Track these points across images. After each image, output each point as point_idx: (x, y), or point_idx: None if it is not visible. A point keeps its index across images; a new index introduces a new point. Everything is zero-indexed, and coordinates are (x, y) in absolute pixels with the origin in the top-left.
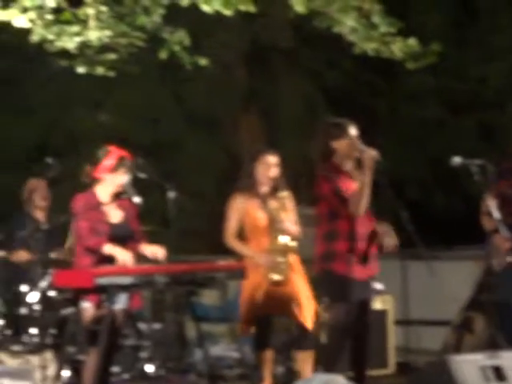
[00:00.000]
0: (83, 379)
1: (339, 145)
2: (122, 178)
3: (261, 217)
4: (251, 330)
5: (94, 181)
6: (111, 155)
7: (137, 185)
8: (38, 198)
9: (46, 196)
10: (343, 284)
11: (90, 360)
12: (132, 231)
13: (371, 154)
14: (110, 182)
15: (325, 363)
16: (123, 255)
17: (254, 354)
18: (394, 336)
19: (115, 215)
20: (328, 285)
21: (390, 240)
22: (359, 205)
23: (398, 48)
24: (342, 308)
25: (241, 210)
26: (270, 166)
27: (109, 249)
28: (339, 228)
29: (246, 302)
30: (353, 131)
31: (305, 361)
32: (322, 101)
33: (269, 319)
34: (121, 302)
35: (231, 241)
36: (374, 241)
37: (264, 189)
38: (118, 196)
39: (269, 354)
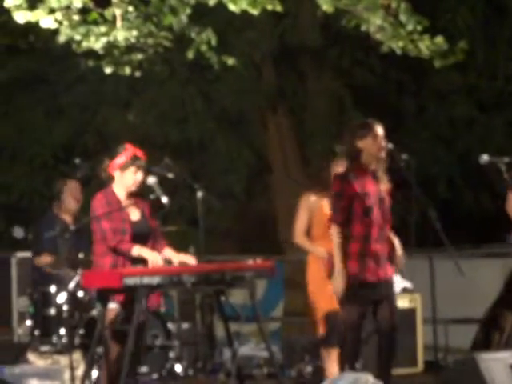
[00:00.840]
0: (102, 378)
1: (365, 144)
2: (132, 177)
3: None
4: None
5: (111, 178)
6: (124, 153)
7: (165, 184)
8: (68, 199)
9: (78, 197)
10: (354, 285)
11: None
12: (151, 229)
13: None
14: (120, 180)
15: (346, 360)
16: (153, 256)
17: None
18: (422, 334)
19: (134, 213)
20: None
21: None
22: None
23: (425, 46)
24: (351, 308)
25: (312, 208)
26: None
27: (137, 251)
28: (353, 230)
29: (319, 300)
30: (379, 130)
31: (333, 358)
32: (350, 100)
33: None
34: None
35: (301, 239)
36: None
37: None
38: (133, 195)
39: (335, 352)
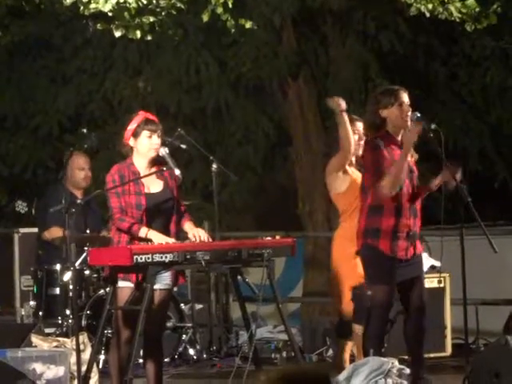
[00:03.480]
0: (111, 362)
1: (389, 113)
2: (147, 142)
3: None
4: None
5: (130, 149)
6: (135, 118)
7: (178, 156)
8: (75, 172)
9: (89, 175)
10: (387, 263)
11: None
12: (173, 202)
13: (408, 135)
14: (137, 148)
15: (372, 343)
16: (161, 239)
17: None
18: (451, 316)
19: (154, 185)
20: (371, 263)
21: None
22: (391, 183)
23: (455, 8)
24: (382, 288)
25: (344, 179)
26: (360, 133)
27: (144, 233)
28: (385, 203)
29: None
30: (404, 98)
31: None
32: (376, 66)
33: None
34: (162, 282)
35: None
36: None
37: (354, 158)
38: (156, 163)
39: (350, 343)
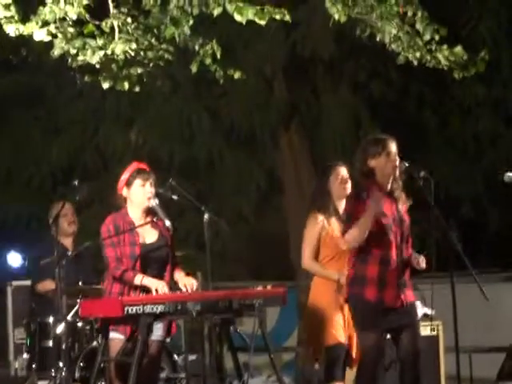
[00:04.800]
0: None
1: (377, 163)
2: (140, 192)
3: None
4: (317, 359)
5: (123, 200)
6: (128, 169)
7: (171, 207)
8: (64, 223)
9: (72, 221)
10: (372, 312)
11: None
12: (167, 251)
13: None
14: (131, 198)
15: None
16: (156, 284)
17: None
18: (445, 364)
19: (149, 235)
20: (357, 311)
21: (421, 262)
22: (351, 237)
23: (443, 56)
24: (370, 336)
25: (321, 229)
26: (343, 178)
27: (139, 280)
28: (371, 251)
29: (320, 327)
30: (392, 148)
31: None
32: (367, 114)
33: (343, 347)
34: (155, 333)
35: (310, 263)
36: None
37: (340, 205)
38: (150, 213)
39: None
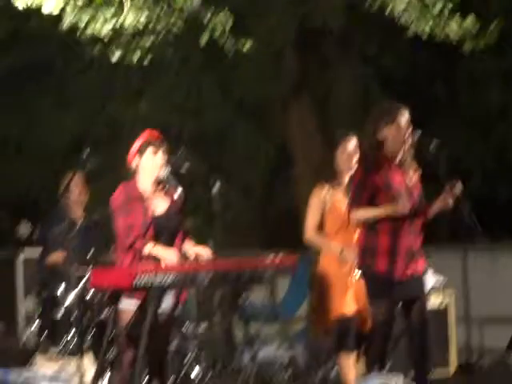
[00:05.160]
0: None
1: (388, 132)
2: (152, 161)
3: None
4: (328, 330)
5: (135, 170)
6: (140, 137)
7: (181, 177)
8: (74, 194)
9: (83, 191)
10: (384, 283)
11: (126, 365)
12: (178, 221)
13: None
14: (142, 166)
15: (372, 362)
16: (167, 254)
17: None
18: (455, 334)
19: (160, 204)
20: (369, 281)
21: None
22: (358, 218)
23: (453, 28)
24: (382, 307)
25: (326, 202)
26: (351, 152)
27: (150, 249)
28: (382, 222)
29: (328, 299)
30: (403, 117)
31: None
32: (377, 87)
33: (352, 318)
34: (165, 303)
35: (312, 235)
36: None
37: (346, 178)
38: (160, 184)
39: (353, 358)
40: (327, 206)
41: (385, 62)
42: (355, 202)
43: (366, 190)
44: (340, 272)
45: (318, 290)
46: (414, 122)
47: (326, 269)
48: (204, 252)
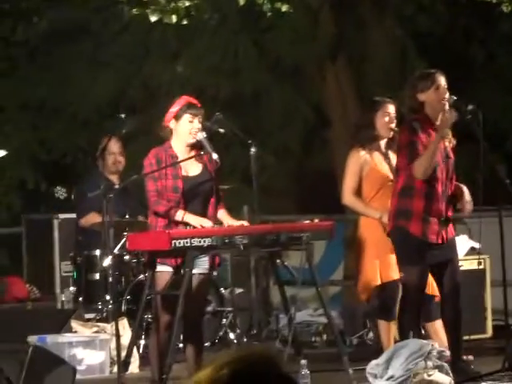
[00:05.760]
0: (151, 347)
1: (427, 97)
2: (187, 127)
3: (387, 170)
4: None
5: (169, 132)
6: (178, 101)
7: (217, 140)
8: (110, 160)
9: (119, 160)
10: (417, 246)
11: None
12: (212, 185)
13: (446, 117)
14: (177, 131)
15: (408, 327)
16: (199, 221)
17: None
18: (491, 297)
19: (192, 168)
20: (401, 244)
21: (468, 204)
22: (423, 166)
23: None
24: (414, 270)
25: (363, 166)
26: (391, 116)
27: (181, 217)
28: (417, 184)
29: (372, 265)
30: (441, 81)
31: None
32: (413, 48)
33: (396, 284)
34: (201, 266)
35: (351, 200)
36: (452, 203)
37: (385, 140)
38: (195, 147)
39: (394, 325)
40: (365, 170)
41: (421, 23)
42: (412, 157)
43: (416, 145)
44: (382, 237)
45: (360, 256)
46: (451, 82)
47: (368, 234)
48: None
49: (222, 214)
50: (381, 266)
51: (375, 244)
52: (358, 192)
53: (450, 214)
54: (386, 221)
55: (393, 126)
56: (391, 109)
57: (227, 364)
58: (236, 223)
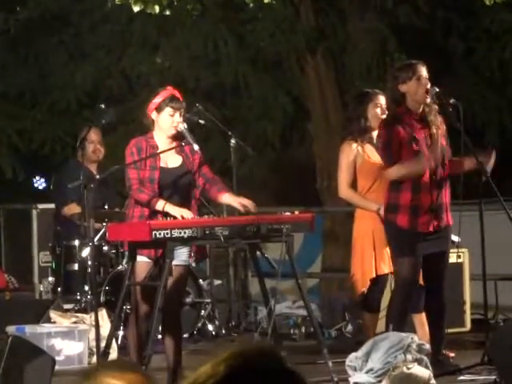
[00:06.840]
0: (130, 337)
1: (408, 88)
2: (168, 119)
3: (380, 161)
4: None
5: (151, 122)
6: (162, 93)
7: (196, 131)
8: (90, 149)
9: (98, 148)
10: (407, 238)
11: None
12: (191, 177)
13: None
14: (159, 123)
15: (393, 319)
16: (179, 212)
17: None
18: (470, 291)
19: (172, 160)
20: (392, 238)
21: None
22: (398, 175)
23: None
24: (405, 262)
25: (357, 157)
26: (382, 107)
27: (161, 207)
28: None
29: (366, 258)
30: (423, 72)
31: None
32: (394, 41)
33: (387, 278)
34: (180, 257)
35: (348, 193)
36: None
37: (376, 132)
38: (176, 138)
39: (376, 317)
40: (358, 163)
41: (401, 15)
42: (387, 161)
43: (393, 146)
44: (378, 229)
45: (355, 247)
46: (430, 75)
47: (363, 228)
48: (247, 202)
49: (228, 198)
50: (376, 259)
51: (371, 237)
52: (354, 185)
53: (445, 200)
54: (383, 213)
55: (384, 116)
56: (382, 100)
57: (224, 360)
58: (241, 200)
